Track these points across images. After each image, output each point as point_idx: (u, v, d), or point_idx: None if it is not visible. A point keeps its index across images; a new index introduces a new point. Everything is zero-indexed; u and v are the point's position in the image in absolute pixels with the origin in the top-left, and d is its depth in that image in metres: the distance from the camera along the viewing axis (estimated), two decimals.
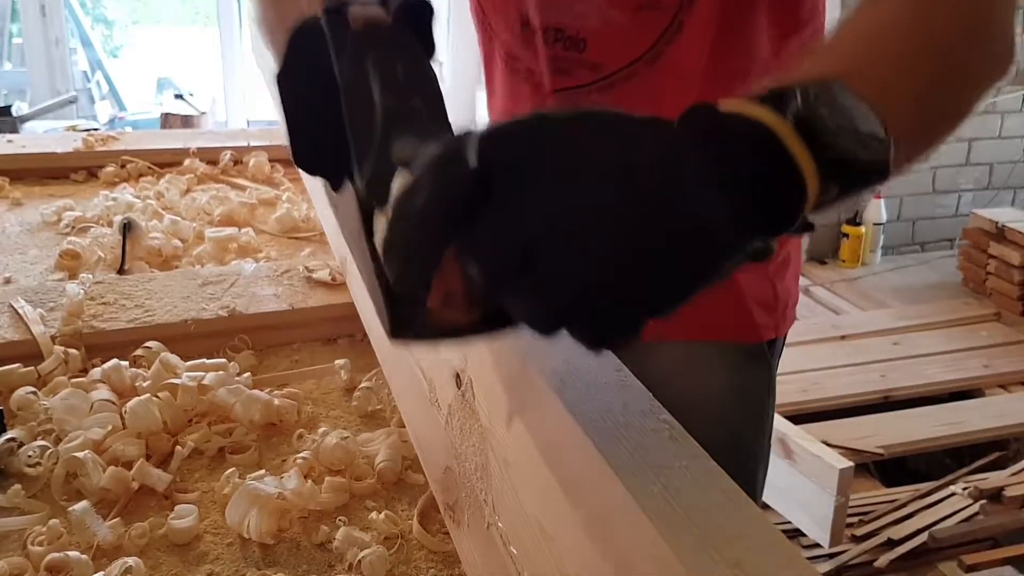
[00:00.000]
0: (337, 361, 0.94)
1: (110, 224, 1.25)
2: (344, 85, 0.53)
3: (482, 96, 1.01)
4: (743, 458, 0.93)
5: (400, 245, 0.41)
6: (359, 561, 0.66)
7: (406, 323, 0.46)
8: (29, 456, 0.76)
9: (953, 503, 2.29)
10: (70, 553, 0.65)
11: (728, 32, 0.78)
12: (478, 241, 0.38)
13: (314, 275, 1.08)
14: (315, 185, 1.22)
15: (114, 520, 0.70)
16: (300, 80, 0.56)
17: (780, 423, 2.25)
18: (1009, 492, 2.29)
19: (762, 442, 0.97)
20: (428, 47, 0.56)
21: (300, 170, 0.63)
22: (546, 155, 0.38)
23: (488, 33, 0.92)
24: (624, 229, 0.37)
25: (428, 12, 0.57)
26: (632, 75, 0.79)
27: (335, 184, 0.57)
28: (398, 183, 0.44)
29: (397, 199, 0.41)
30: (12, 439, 0.77)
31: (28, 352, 0.90)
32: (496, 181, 0.38)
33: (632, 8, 0.78)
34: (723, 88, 0.82)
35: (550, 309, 0.39)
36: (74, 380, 0.87)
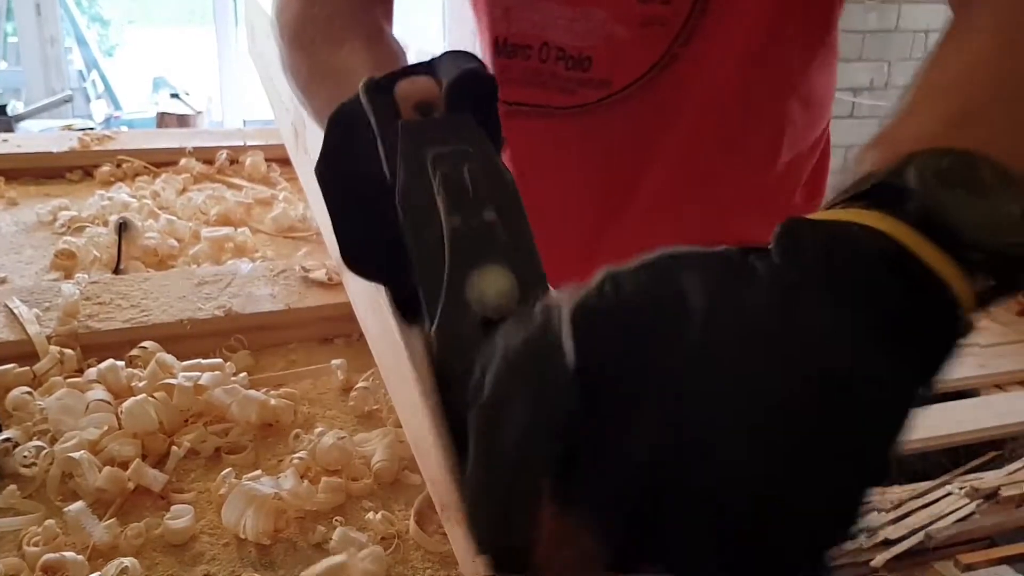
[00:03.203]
0: (333, 361, 0.94)
1: (106, 224, 1.25)
2: (400, 195, 0.44)
3: None
4: None
5: (495, 498, 0.31)
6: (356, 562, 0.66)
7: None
8: (24, 456, 0.76)
9: (950, 503, 2.29)
10: (66, 554, 0.65)
11: (752, 43, 0.74)
12: (584, 482, 0.29)
13: (310, 275, 1.08)
14: (313, 186, 1.22)
15: (110, 520, 0.69)
16: (345, 175, 0.49)
17: None
18: (1005, 492, 2.29)
19: None
20: (492, 131, 0.48)
21: (351, 273, 0.54)
22: (660, 345, 0.29)
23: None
24: (789, 431, 0.28)
25: (489, 85, 0.49)
26: (641, 89, 0.76)
27: (397, 293, 0.49)
28: (489, 377, 0.32)
29: (479, 431, 0.31)
30: (7, 439, 0.77)
31: (23, 352, 0.90)
32: (601, 389, 0.29)
33: (637, 23, 0.75)
34: (756, 102, 0.78)
35: (703, 561, 0.29)
36: (70, 380, 0.86)
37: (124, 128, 4.09)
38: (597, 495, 0.29)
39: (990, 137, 0.37)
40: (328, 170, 0.50)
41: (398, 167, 0.44)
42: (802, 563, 0.29)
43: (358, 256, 0.50)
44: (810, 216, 0.34)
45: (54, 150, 1.56)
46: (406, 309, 0.46)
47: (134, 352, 0.91)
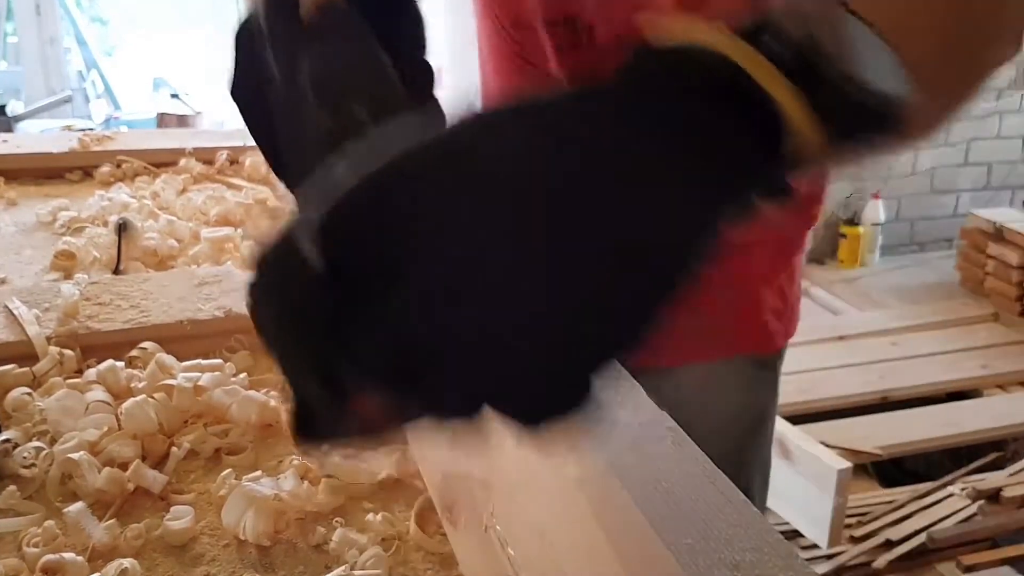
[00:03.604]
0: None
1: (105, 224, 1.25)
2: (276, 103, 0.44)
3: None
4: (742, 465, 0.93)
5: (288, 379, 0.33)
6: (356, 562, 0.66)
7: (309, 431, 0.34)
8: (24, 457, 0.76)
9: (951, 504, 2.29)
10: (65, 555, 0.64)
11: None
12: (347, 354, 0.30)
13: None
14: None
15: (110, 521, 0.69)
16: (253, 93, 0.49)
17: (779, 423, 2.24)
18: (1007, 493, 2.29)
19: (761, 450, 0.97)
20: (402, 21, 0.46)
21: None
22: (407, 235, 0.29)
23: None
24: (537, 295, 0.29)
25: None
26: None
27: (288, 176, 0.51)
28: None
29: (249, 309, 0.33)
30: (7, 440, 0.77)
31: (23, 353, 0.89)
32: (349, 285, 0.29)
33: None
34: None
35: (461, 409, 0.31)
36: (69, 381, 0.86)
37: (124, 128, 4.09)
38: (363, 362, 0.30)
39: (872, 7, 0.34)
40: (237, 90, 0.50)
41: (276, 74, 0.44)
42: (555, 406, 0.30)
43: (282, 168, 0.51)
44: (664, 38, 0.33)
45: (54, 150, 1.56)
46: None
47: (134, 353, 0.91)
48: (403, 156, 0.30)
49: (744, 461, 0.94)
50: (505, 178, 0.29)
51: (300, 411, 0.33)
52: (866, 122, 0.33)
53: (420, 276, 0.29)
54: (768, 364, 0.93)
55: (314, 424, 0.33)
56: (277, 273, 0.31)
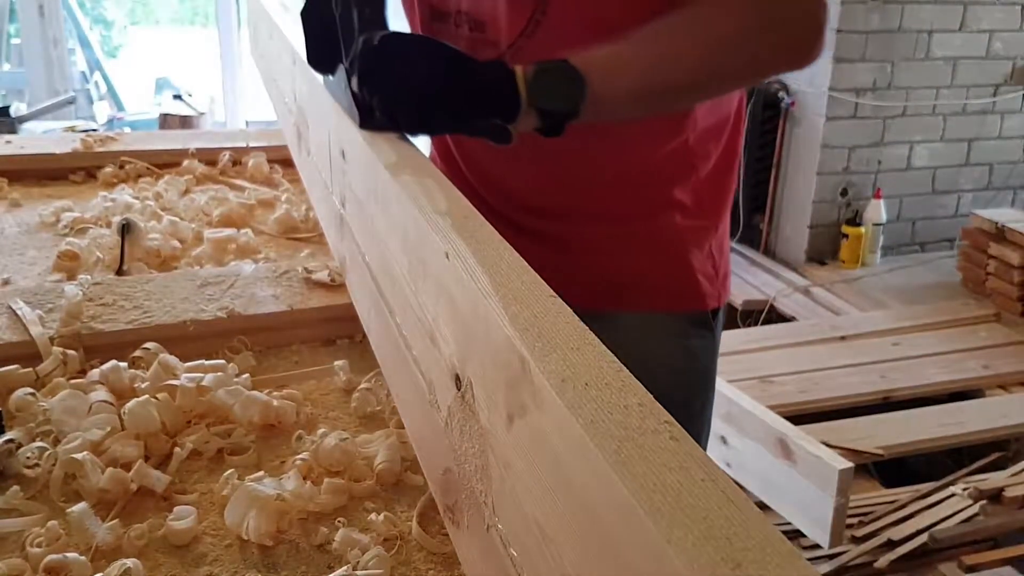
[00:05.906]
0: (336, 362, 0.94)
1: (108, 225, 1.25)
2: (339, 20, 0.89)
3: None
4: (690, 419, 1.00)
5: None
6: (358, 562, 0.66)
7: (367, 122, 0.84)
8: (28, 457, 0.76)
9: (953, 504, 2.28)
10: (69, 554, 0.65)
11: (590, 12, 0.92)
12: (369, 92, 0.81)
13: (313, 276, 1.08)
14: (312, 186, 1.22)
15: (113, 521, 0.70)
16: (316, 13, 0.91)
17: (780, 423, 2.25)
18: (1009, 492, 2.29)
19: (708, 406, 1.07)
20: None
21: (312, 69, 0.98)
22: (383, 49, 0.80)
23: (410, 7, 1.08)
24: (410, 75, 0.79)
25: None
26: (519, 49, 0.94)
27: (330, 72, 0.94)
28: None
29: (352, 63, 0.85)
30: (11, 440, 0.77)
31: (26, 353, 0.90)
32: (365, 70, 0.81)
33: None
34: None
35: (401, 114, 0.80)
36: (73, 381, 0.86)
37: (127, 129, 4.10)
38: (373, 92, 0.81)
39: (591, 65, 0.80)
40: (307, 12, 0.93)
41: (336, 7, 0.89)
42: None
43: (316, 59, 0.94)
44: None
45: (57, 151, 1.57)
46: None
47: (137, 353, 0.91)
48: (381, 40, 0.80)
49: (693, 415, 1.03)
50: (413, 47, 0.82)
51: (362, 115, 0.84)
52: (551, 114, 0.80)
53: (387, 69, 0.80)
54: (703, 322, 1.03)
55: (366, 118, 0.84)
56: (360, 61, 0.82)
